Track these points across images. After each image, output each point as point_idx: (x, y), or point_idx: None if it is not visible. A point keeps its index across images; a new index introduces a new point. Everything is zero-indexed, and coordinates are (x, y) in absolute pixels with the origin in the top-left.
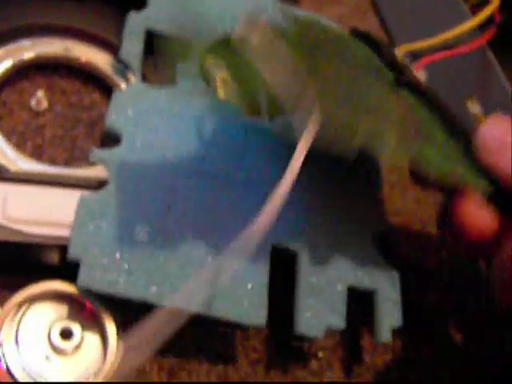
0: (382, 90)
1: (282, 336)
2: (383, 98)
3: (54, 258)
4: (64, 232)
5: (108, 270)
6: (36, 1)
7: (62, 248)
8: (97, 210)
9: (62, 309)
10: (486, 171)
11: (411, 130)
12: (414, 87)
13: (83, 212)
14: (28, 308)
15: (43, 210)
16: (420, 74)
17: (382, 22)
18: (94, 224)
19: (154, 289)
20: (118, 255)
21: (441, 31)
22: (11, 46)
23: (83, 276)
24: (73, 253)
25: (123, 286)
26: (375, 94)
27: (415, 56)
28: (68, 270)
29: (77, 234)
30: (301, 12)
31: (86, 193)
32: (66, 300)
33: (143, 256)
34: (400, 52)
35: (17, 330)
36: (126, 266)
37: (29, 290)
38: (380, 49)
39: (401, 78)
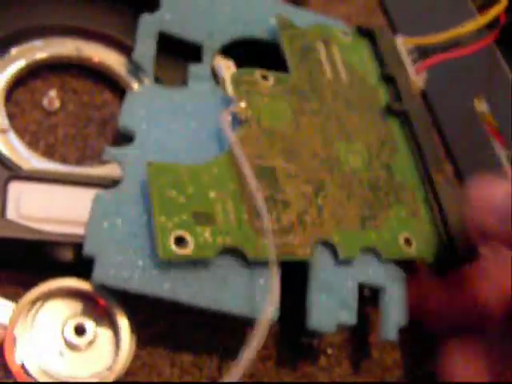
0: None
1: (291, 332)
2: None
3: (67, 255)
4: (78, 230)
5: (122, 266)
6: (48, 1)
7: (76, 245)
8: (111, 208)
9: (75, 305)
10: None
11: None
12: (402, 117)
13: (98, 209)
14: (42, 305)
15: (56, 208)
16: (420, 77)
17: (389, 20)
18: (109, 221)
19: (167, 285)
20: (132, 252)
21: (447, 30)
22: (24, 46)
23: (98, 272)
24: (88, 250)
25: (137, 282)
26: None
27: (422, 52)
28: (81, 267)
29: (92, 231)
30: (304, 15)
31: (101, 191)
32: (79, 297)
33: (156, 252)
34: (405, 46)
35: (31, 327)
36: (140, 262)
37: (43, 287)
38: (379, 48)
39: (392, 105)
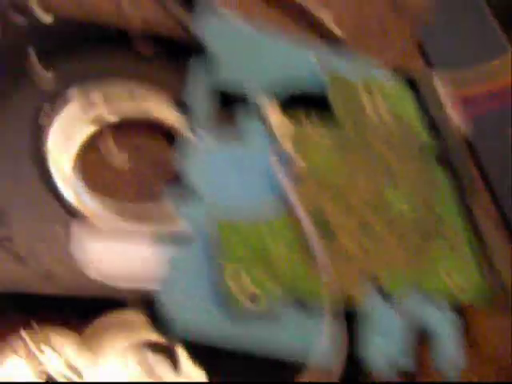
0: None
1: (349, 375)
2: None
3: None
4: (152, 286)
5: (198, 322)
6: (107, 59)
7: (146, 301)
8: (182, 265)
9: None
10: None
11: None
12: (449, 166)
13: (168, 266)
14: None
15: (127, 265)
16: (464, 124)
17: (429, 65)
18: (183, 280)
19: (238, 337)
20: (202, 307)
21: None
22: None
23: (173, 328)
24: (160, 306)
25: (210, 335)
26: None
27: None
28: (156, 322)
29: (164, 287)
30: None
31: (170, 247)
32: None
33: (228, 308)
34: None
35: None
36: (212, 317)
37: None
38: (420, 93)
39: (441, 153)
